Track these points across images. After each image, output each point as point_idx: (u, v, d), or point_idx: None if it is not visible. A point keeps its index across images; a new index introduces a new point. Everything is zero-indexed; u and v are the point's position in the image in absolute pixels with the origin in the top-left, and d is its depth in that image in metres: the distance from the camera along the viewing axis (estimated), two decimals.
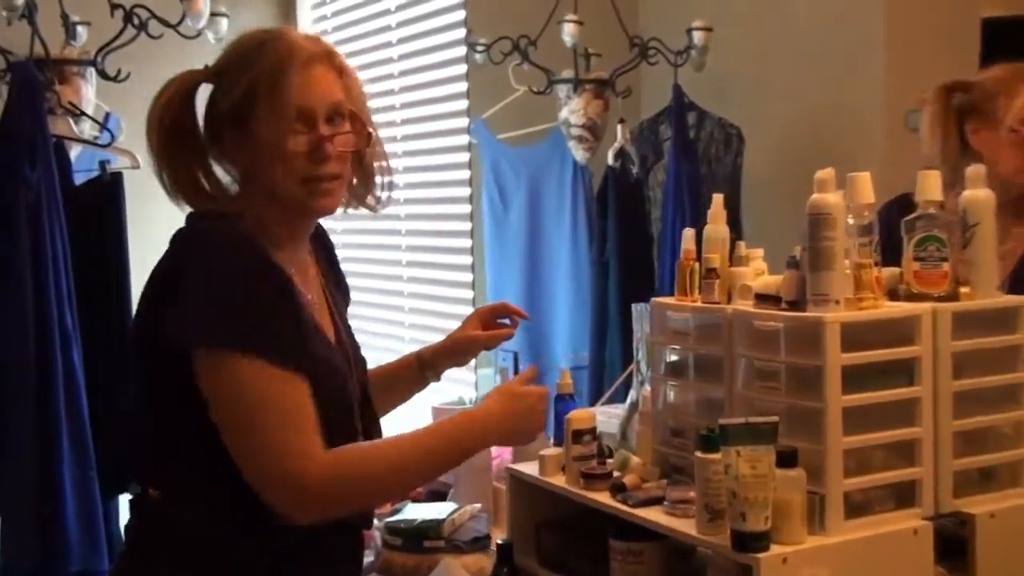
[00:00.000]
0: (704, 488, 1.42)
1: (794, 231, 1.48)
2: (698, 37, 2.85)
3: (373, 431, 1.57)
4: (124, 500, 2.59)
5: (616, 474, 1.66)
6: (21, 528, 2.46)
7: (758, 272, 1.61)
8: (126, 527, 1.52)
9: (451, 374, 1.82)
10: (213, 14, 2.86)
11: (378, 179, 1.57)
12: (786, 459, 1.37)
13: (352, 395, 1.50)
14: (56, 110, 2.62)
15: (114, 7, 2.68)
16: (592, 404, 2.60)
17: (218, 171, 1.47)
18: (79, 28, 2.92)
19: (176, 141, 1.44)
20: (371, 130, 1.50)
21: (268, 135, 1.39)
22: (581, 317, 3.02)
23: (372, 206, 1.59)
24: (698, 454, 1.42)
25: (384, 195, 1.59)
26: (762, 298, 1.51)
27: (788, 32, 2.81)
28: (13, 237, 2.44)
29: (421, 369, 1.75)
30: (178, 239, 1.41)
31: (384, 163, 1.57)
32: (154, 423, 1.44)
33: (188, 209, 1.47)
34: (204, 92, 1.46)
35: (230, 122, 1.43)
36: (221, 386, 1.35)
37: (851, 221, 1.47)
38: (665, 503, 1.53)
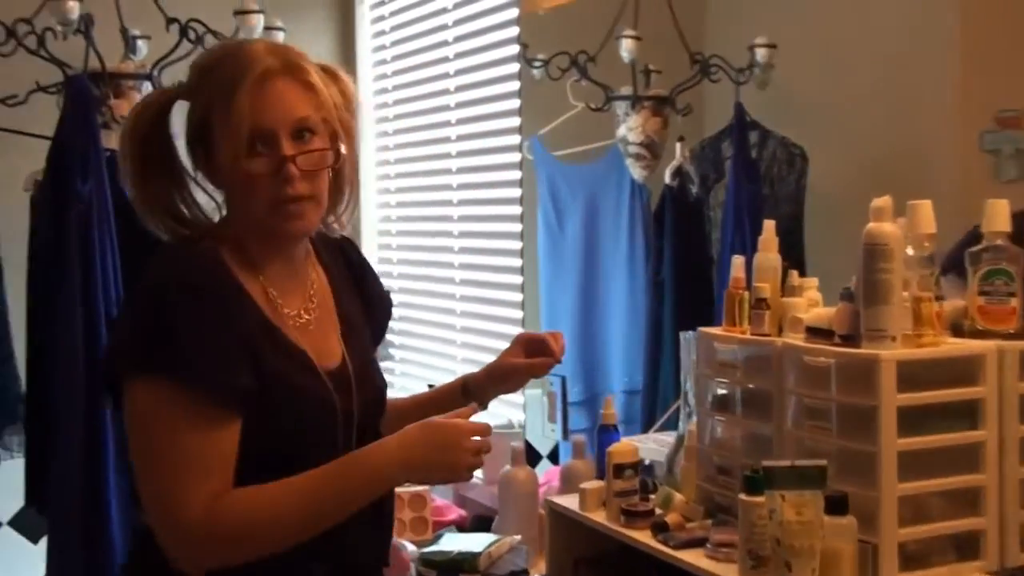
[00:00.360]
0: (748, 533, 1.35)
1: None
2: (761, 54, 2.76)
3: None
4: None
5: (658, 511, 1.59)
6: (66, 541, 2.46)
7: (811, 303, 1.53)
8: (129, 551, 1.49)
9: None
10: (268, 28, 2.84)
11: (344, 198, 1.47)
12: (836, 505, 1.30)
13: (339, 418, 1.40)
14: (110, 124, 2.62)
15: (170, 21, 2.68)
16: (644, 431, 2.53)
17: (202, 198, 1.42)
18: (139, 42, 2.92)
19: (149, 157, 1.39)
20: (341, 146, 1.40)
21: (225, 157, 1.33)
22: (636, 340, 2.94)
23: (330, 227, 1.49)
24: (742, 496, 1.35)
25: (345, 216, 1.49)
26: (814, 332, 1.43)
27: (855, 49, 2.71)
28: (64, 249, 2.45)
29: (466, 397, 1.64)
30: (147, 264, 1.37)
31: (351, 184, 1.47)
32: None
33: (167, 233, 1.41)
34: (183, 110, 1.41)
35: (198, 143, 1.38)
36: (128, 413, 1.31)
37: (911, 252, 1.39)
38: (708, 546, 1.46)
